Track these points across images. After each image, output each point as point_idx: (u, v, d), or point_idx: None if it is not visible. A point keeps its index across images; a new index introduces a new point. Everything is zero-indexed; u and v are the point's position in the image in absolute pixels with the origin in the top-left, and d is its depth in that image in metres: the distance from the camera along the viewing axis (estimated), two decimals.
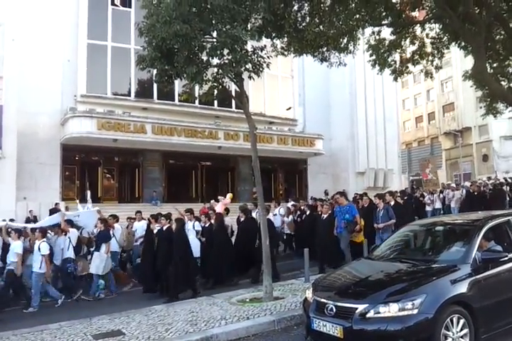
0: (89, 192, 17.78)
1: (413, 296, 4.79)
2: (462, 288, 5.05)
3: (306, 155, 28.77)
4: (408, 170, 29.77)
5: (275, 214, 15.35)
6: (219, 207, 13.01)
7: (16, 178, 19.75)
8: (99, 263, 10.65)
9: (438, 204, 18.87)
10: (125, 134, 21.71)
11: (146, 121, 22.49)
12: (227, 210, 13.07)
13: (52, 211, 18.96)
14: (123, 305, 9.06)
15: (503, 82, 13.35)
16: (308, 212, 14.57)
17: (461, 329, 4.92)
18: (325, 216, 11.88)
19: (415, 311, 4.71)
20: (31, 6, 21.12)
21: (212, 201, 16.80)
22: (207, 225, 11.96)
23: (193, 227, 12.09)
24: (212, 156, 26.70)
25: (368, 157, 29.83)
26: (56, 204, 19.90)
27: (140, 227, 13.04)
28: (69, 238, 10.93)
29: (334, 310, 5.12)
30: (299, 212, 15.67)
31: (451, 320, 4.87)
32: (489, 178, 23.80)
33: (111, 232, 11.54)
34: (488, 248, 5.65)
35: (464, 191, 18.26)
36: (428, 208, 18.93)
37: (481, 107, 16.05)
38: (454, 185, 20.28)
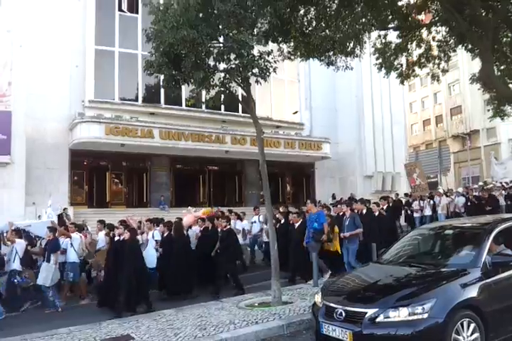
0: (51, 199, 17.28)
1: (423, 300, 4.77)
2: (472, 292, 5.02)
3: (313, 159, 28.74)
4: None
5: (254, 222, 15.01)
6: (188, 218, 12.51)
7: (25, 183, 19.89)
8: (46, 274, 9.96)
9: (428, 211, 18.30)
10: (133, 139, 21.80)
11: (154, 125, 22.59)
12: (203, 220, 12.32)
13: (60, 216, 19.09)
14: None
15: (510, 85, 13.27)
16: (282, 221, 12.99)
17: (472, 334, 4.88)
18: (296, 225, 11.28)
19: (425, 315, 4.68)
20: (39, 12, 21.33)
21: (189, 207, 15.94)
22: (165, 235, 11.16)
23: (153, 237, 11.42)
24: (219, 160, 26.77)
25: (376, 160, 29.75)
26: (64, 209, 19.99)
27: (101, 237, 11.93)
28: (15, 249, 10.21)
29: (343, 314, 5.10)
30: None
31: (462, 325, 4.83)
32: (485, 183, 23.35)
33: (67, 242, 10.74)
34: (498, 252, 5.60)
35: (458, 197, 17.83)
36: (416, 214, 18.51)
37: (488, 110, 15.94)
38: (441, 190, 19.63)
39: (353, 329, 4.94)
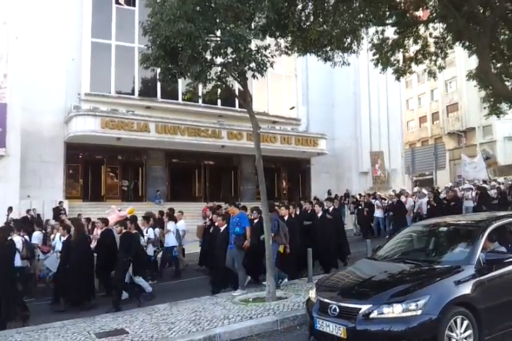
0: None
1: (417, 297, 4.77)
2: (466, 289, 5.03)
3: (309, 155, 28.76)
4: (412, 171, 29.67)
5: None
6: (112, 219, 11.77)
7: (20, 176, 19.82)
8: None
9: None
10: (129, 133, 21.77)
11: (150, 119, 22.55)
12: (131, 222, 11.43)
13: (56, 209, 19.08)
14: None
15: (507, 82, 13.29)
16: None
17: (465, 331, 4.89)
18: (222, 228, 10.24)
19: (419, 312, 4.69)
20: (35, 4, 21.20)
21: (112, 206, 15.14)
22: (65, 237, 10.30)
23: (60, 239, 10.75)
24: (215, 155, 26.76)
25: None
26: (60, 202, 19.97)
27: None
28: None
29: (337, 310, 5.11)
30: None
31: (455, 321, 4.85)
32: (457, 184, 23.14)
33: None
34: (492, 249, 5.62)
35: (422, 199, 17.15)
36: (378, 214, 18.16)
37: (485, 107, 16.00)
38: (408, 191, 19.05)
39: (346, 325, 4.94)
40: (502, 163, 32.12)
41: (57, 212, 18.97)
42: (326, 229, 11.15)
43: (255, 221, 10.58)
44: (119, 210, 13.72)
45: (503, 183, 18.95)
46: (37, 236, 12.05)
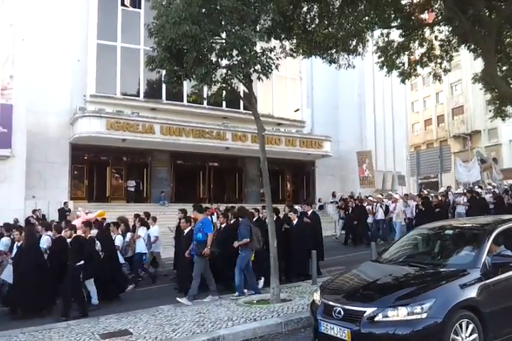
0: None
1: (422, 300, 4.75)
2: (472, 292, 5.00)
3: (314, 157, 28.73)
4: (417, 173, 29.59)
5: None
6: (79, 222, 11.30)
7: (25, 177, 19.89)
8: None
9: (380, 215, 17.19)
10: (134, 134, 21.81)
11: (155, 121, 22.59)
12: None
13: (61, 210, 19.14)
14: None
15: None
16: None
17: (470, 334, 4.86)
18: (185, 231, 9.71)
19: (424, 315, 4.67)
20: (42, 6, 21.29)
21: (79, 209, 14.87)
22: (20, 243, 9.63)
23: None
24: (220, 157, 26.77)
25: (376, 159, 29.72)
26: (65, 203, 20.03)
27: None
28: None
29: (342, 313, 5.09)
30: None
31: (460, 325, 4.82)
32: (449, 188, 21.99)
33: None
34: (498, 252, 5.57)
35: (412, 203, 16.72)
36: (369, 220, 17.36)
37: (490, 110, 15.93)
38: (396, 195, 18.05)
39: (351, 328, 4.92)
40: (506, 167, 32.06)
41: (63, 212, 19.03)
42: (302, 234, 10.72)
43: (223, 225, 10.24)
44: (87, 213, 13.38)
45: (498, 187, 18.38)
46: (4, 243, 11.05)
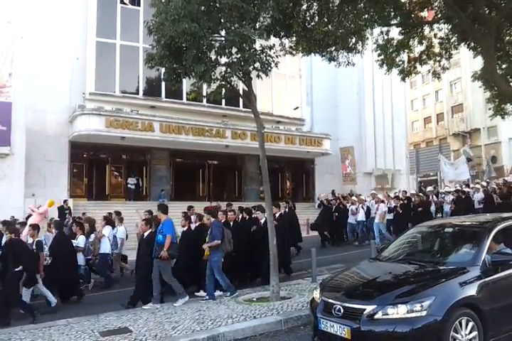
0: None
1: (422, 298, 4.76)
2: (471, 290, 5.00)
3: (313, 155, 28.73)
4: (416, 171, 29.62)
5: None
6: (35, 219, 11.09)
7: (25, 175, 19.89)
8: None
9: (361, 216, 16.61)
10: (133, 132, 21.79)
11: (154, 119, 22.57)
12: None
13: (60, 208, 19.13)
14: None
15: None
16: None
17: (470, 332, 4.87)
18: (145, 234, 9.15)
19: (424, 313, 4.67)
20: (40, 3, 21.26)
21: (30, 205, 14.27)
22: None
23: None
24: (219, 155, 26.76)
25: (376, 157, 29.75)
26: (64, 201, 20.02)
27: None
28: None
29: (342, 310, 5.09)
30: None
31: (460, 323, 4.82)
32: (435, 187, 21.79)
33: None
34: (498, 250, 5.58)
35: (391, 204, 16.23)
36: (350, 219, 16.82)
37: (490, 108, 15.91)
38: (380, 196, 17.22)
39: (351, 326, 4.92)
40: (508, 165, 32.05)
41: (62, 211, 19.03)
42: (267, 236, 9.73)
43: (184, 228, 9.85)
44: (38, 207, 12.91)
45: (486, 186, 17.97)
46: None
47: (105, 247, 11.54)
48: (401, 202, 16.36)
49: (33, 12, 20.65)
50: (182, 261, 9.55)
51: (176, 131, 22.96)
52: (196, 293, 9.18)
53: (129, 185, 24.40)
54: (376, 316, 4.82)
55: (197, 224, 10.57)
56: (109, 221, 12.14)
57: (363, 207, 16.78)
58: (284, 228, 11.14)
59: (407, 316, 4.70)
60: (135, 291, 8.88)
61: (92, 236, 11.84)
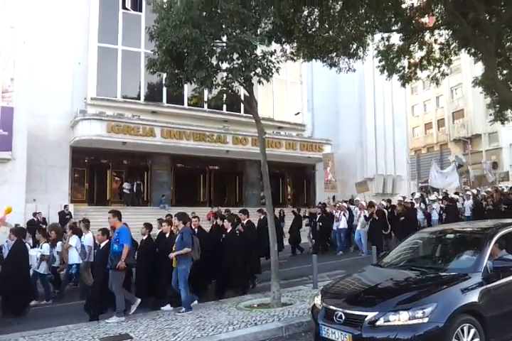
0: None
1: (423, 304, 4.74)
2: (473, 297, 4.98)
3: (314, 161, 28.72)
4: (417, 177, 29.59)
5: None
6: None
7: (26, 180, 19.88)
8: None
9: (343, 224, 16.09)
10: (134, 137, 21.84)
11: (155, 124, 22.62)
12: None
13: (61, 213, 19.13)
14: None
15: None
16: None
17: (472, 339, 4.84)
18: (102, 245, 8.70)
19: (426, 320, 4.65)
20: (43, 8, 21.37)
21: None
22: None
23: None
24: (220, 160, 26.78)
25: (377, 163, 29.72)
26: (65, 206, 20.02)
27: None
28: None
29: (343, 317, 5.07)
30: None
31: (462, 329, 4.80)
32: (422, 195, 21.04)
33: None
34: (500, 256, 5.56)
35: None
36: (335, 227, 16.30)
37: (490, 114, 15.93)
38: (363, 202, 16.61)
39: (352, 333, 4.90)
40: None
41: (63, 216, 19.02)
42: (232, 245, 9.89)
43: (102, 244, 8.82)
44: None
45: (477, 194, 17.70)
46: None
47: (73, 258, 11.01)
48: (382, 210, 15.62)
49: (35, 17, 20.74)
50: (142, 271, 9.19)
51: (177, 137, 23.01)
52: (162, 308, 8.60)
53: (124, 190, 24.37)
54: (378, 323, 4.79)
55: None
56: (75, 230, 11.68)
57: (344, 215, 16.27)
58: (252, 237, 10.70)
59: (409, 323, 4.68)
60: (86, 301, 8.58)
61: (59, 244, 11.40)
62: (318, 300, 5.74)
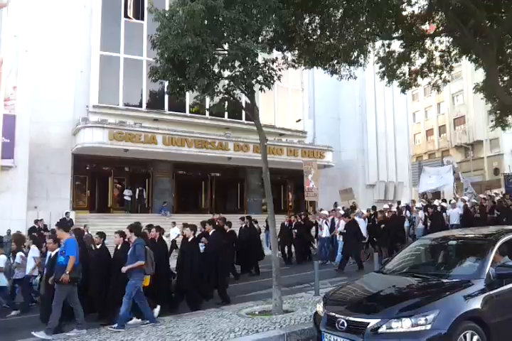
0: None
1: (426, 311, 4.72)
2: (476, 303, 4.97)
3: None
4: (419, 183, 29.52)
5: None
6: None
7: (28, 187, 19.92)
8: None
9: (325, 233, 15.73)
10: (136, 145, 21.86)
11: (157, 131, 22.65)
12: None
13: (62, 220, 19.11)
14: None
15: None
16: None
17: None
18: (52, 254, 8.53)
19: (428, 326, 4.63)
20: (45, 17, 21.46)
21: None
22: None
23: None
24: (222, 167, 26.80)
25: (378, 169, 29.72)
26: (66, 213, 20.03)
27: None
28: None
29: (345, 324, 5.05)
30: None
31: (465, 336, 4.78)
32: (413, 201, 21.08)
33: None
34: (502, 263, 5.54)
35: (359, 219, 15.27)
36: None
37: (492, 120, 15.92)
38: (342, 211, 16.33)
39: (355, 340, 4.88)
40: None
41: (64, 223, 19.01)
42: (194, 256, 9.54)
43: (53, 253, 8.54)
44: None
45: (468, 201, 17.15)
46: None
47: (30, 268, 10.86)
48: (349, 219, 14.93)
49: (37, 26, 20.88)
50: (95, 284, 8.94)
51: (179, 144, 23.04)
52: (129, 322, 8.18)
53: (125, 197, 24.38)
54: (380, 330, 4.77)
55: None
56: (36, 240, 11.61)
57: (326, 223, 15.93)
58: (218, 246, 10.36)
59: (412, 330, 4.66)
60: (40, 312, 8.41)
61: (18, 255, 11.13)
62: (320, 307, 5.72)
